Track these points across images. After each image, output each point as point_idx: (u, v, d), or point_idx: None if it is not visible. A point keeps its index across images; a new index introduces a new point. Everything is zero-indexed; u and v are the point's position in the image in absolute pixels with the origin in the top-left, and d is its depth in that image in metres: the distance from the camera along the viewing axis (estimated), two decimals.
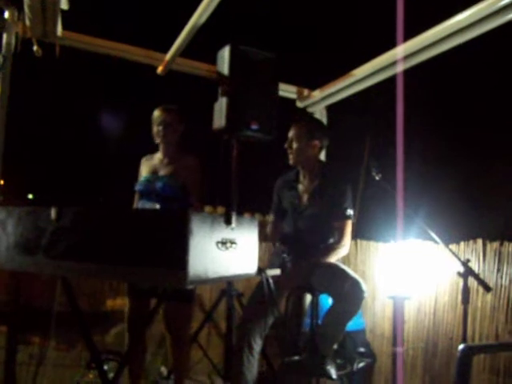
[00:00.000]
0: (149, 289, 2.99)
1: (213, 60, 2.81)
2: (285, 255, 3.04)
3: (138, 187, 3.27)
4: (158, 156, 3.34)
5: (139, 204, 3.25)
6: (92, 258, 2.06)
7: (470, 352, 2.45)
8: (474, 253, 3.33)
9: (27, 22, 3.31)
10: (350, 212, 3.15)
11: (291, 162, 3.25)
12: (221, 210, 4.31)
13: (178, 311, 3.19)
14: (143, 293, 3.08)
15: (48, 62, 3.57)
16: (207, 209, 4.40)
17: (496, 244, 3.27)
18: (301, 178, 3.29)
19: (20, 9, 3.25)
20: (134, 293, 3.16)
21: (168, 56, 3.85)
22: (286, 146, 3.24)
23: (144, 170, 3.33)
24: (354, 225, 3.28)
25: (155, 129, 3.28)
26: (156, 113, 3.29)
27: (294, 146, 3.20)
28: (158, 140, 3.29)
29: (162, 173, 3.24)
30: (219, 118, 3.02)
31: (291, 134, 3.24)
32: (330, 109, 4.59)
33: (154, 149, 3.39)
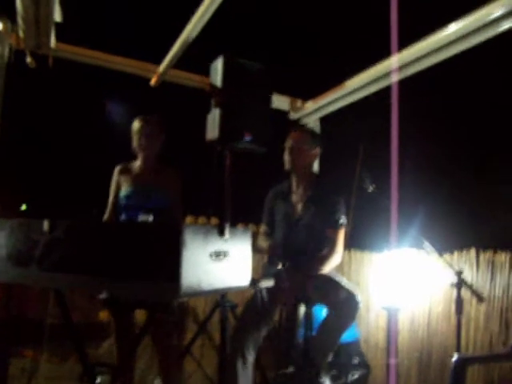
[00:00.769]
0: (128, 301, 2.95)
1: (206, 71, 2.82)
2: (279, 266, 3.03)
3: (124, 201, 3.20)
4: (138, 165, 3.28)
5: (123, 217, 3.19)
6: (85, 271, 2.05)
7: (463, 363, 2.46)
8: (467, 262, 3.34)
9: (21, 34, 3.31)
10: (343, 221, 3.15)
11: (289, 167, 3.22)
12: (214, 221, 4.31)
13: (159, 322, 3.15)
14: (125, 304, 3.04)
15: (42, 73, 3.58)
16: (201, 220, 4.40)
17: (489, 253, 3.28)
18: (294, 187, 3.29)
19: (13, 20, 3.25)
20: (113, 306, 3.12)
21: (161, 67, 3.87)
22: (287, 151, 3.22)
23: (124, 183, 3.25)
24: (347, 234, 3.28)
25: (135, 139, 3.23)
26: (136, 123, 3.25)
27: (295, 152, 3.20)
28: (139, 151, 3.24)
29: (150, 185, 3.19)
30: (212, 129, 3.02)
31: (293, 139, 3.23)
32: (324, 120, 4.61)
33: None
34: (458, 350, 2.65)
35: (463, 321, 2.81)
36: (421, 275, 3.52)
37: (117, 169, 3.32)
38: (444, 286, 3.41)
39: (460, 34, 2.97)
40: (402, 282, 3.27)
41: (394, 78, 3.52)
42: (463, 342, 3.12)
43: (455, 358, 2.47)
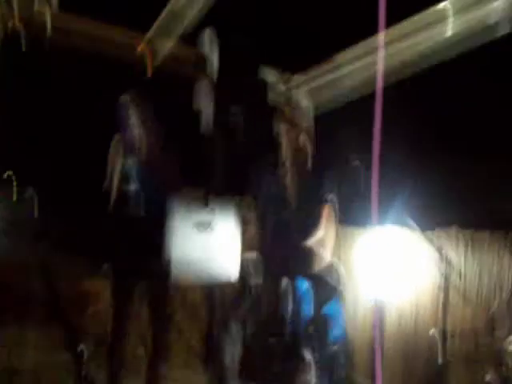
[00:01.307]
0: (130, 270, 2.97)
1: (193, 42, 2.79)
2: (267, 239, 3.04)
3: (130, 171, 3.20)
4: (136, 138, 3.26)
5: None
6: (74, 242, 2.06)
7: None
8: (451, 241, 3.35)
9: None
10: (332, 197, 3.16)
11: (283, 141, 3.23)
12: (201, 193, 4.30)
13: (157, 290, 3.19)
14: (124, 273, 3.06)
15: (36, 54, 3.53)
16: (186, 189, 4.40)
17: (474, 232, 3.29)
18: (283, 162, 3.27)
19: None
20: (111, 275, 3.14)
21: (148, 34, 3.83)
22: (280, 126, 3.20)
23: (124, 152, 3.28)
24: (334, 210, 3.29)
25: (127, 112, 3.24)
26: (126, 97, 3.27)
27: (292, 126, 3.19)
28: (133, 123, 3.25)
29: (150, 157, 3.22)
30: (201, 100, 3.02)
31: (287, 114, 3.23)
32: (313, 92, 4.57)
33: None
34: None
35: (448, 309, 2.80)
36: (405, 253, 3.52)
37: (118, 139, 3.32)
38: (430, 275, 3.40)
39: (449, 13, 2.96)
40: (386, 261, 3.27)
41: (382, 54, 3.50)
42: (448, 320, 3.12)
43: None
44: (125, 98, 3.25)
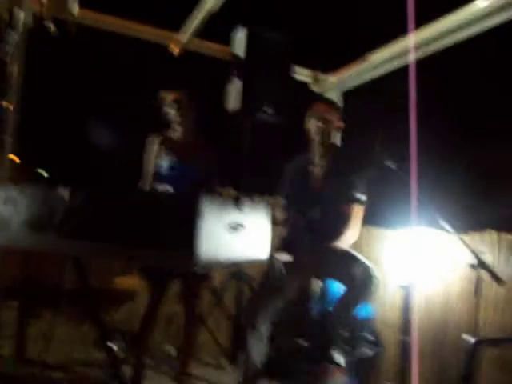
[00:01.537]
0: (163, 269, 2.98)
1: (227, 41, 2.79)
2: (298, 240, 3.02)
3: (166, 171, 3.25)
4: (178, 138, 3.32)
5: (161, 187, 3.23)
6: (103, 239, 2.06)
7: (479, 345, 2.44)
8: (486, 244, 3.29)
9: (44, 0, 3.29)
10: (361, 197, 3.13)
11: (319, 139, 3.18)
12: (230, 192, 4.30)
13: (193, 288, 3.21)
14: (157, 271, 3.07)
15: (64, 41, 3.56)
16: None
17: (510, 235, 3.23)
18: (316, 160, 3.25)
19: None
20: (147, 272, 3.16)
21: (183, 36, 3.83)
22: (315, 122, 3.16)
23: (164, 153, 3.29)
24: (365, 211, 3.25)
25: (170, 113, 3.27)
26: (164, 95, 3.27)
27: (327, 123, 3.16)
28: (175, 121, 3.28)
29: (189, 157, 3.24)
30: (233, 101, 3.00)
31: (323, 111, 3.18)
32: (346, 95, 4.55)
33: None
34: (474, 332, 2.62)
35: (481, 302, 2.76)
36: (439, 255, 3.49)
37: (154, 139, 3.35)
38: (462, 266, 3.36)
39: (487, 10, 2.90)
40: (418, 261, 3.25)
41: (417, 54, 3.46)
42: (481, 324, 3.08)
43: (471, 339, 2.45)
44: (164, 94, 3.27)
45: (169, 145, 3.31)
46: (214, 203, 1.97)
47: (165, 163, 3.26)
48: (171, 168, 3.23)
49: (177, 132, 3.31)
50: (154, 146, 3.33)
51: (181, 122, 3.26)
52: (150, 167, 3.32)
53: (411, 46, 3.47)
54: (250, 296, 3.33)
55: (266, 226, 2.37)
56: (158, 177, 3.28)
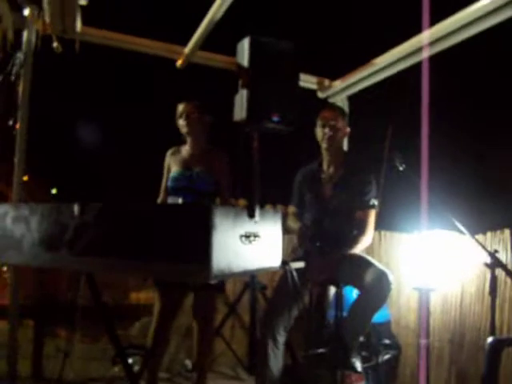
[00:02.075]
0: (176, 282, 2.98)
1: (232, 52, 2.79)
2: (310, 247, 3.00)
3: (171, 183, 3.25)
4: (186, 149, 3.34)
5: (170, 200, 3.24)
6: (115, 254, 2.06)
7: (499, 345, 2.41)
8: (501, 243, 3.27)
9: (47, 19, 3.32)
10: (374, 202, 3.12)
11: (327, 146, 3.19)
12: (242, 202, 4.30)
13: (207, 301, 3.21)
14: (171, 285, 3.08)
15: (69, 58, 3.59)
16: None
17: None
18: (325, 167, 3.26)
19: (40, 6, 3.27)
20: (161, 285, 3.16)
21: (187, 49, 3.85)
22: (323, 130, 3.17)
23: (173, 165, 3.32)
24: (377, 215, 3.24)
25: (181, 122, 3.29)
26: (180, 106, 3.31)
27: (335, 130, 3.16)
28: (185, 133, 3.30)
29: (196, 168, 3.23)
30: (240, 110, 3.00)
31: (331, 118, 3.19)
32: (351, 99, 4.56)
33: (175, 143, 3.39)
34: (493, 331, 2.60)
35: (497, 302, 2.74)
36: (452, 256, 3.46)
37: (168, 152, 3.40)
38: (477, 266, 3.34)
39: (493, 6, 2.89)
40: (433, 263, 3.23)
41: (423, 55, 3.45)
42: (497, 324, 3.05)
43: (490, 340, 2.43)
44: (181, 107, 3.29)
45: (179, 156, 3.32)
46: (227, 214, 1.96)
47: (171, 175, 3.28)
48: (177, 179, 3.23)
49: (187, 144, 3.33)
50: (168, 158, 3.36)
51: (190, 132, 3.27)
52: (164, 181, 3.35)
53: (415, 47, 3.48)
54: (265, 306, 3.31)
55: (278, 234, 2.36)
56: (167, 189, 3.30)
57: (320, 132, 3.20)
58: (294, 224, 3.31)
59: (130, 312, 4.17)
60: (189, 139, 3.31)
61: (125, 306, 4.40)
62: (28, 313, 3.85)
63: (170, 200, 3.23)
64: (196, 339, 3.29)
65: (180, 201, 2.62)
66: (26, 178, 3.38)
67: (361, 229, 3.12)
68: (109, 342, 3.69)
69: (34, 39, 3.37)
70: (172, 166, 3.32)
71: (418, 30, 3.33)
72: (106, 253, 2.08)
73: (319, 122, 3.21)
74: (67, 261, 2.17)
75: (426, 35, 3.31)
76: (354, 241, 3.08)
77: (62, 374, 2.81)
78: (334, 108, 3.39)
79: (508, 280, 3.18)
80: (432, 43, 3.34)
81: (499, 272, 2.66)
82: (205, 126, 3.32)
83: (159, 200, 3.35)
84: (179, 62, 3.96)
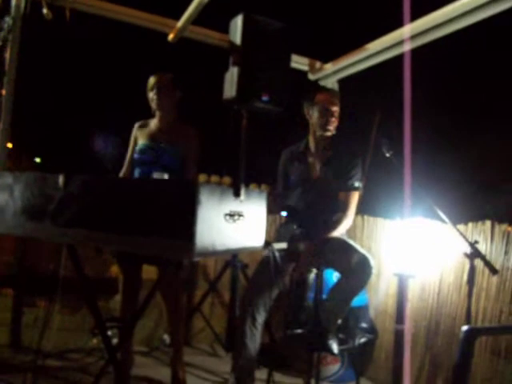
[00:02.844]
0: (138, 256, 2.97)
1: (225, 29, 2.76)
2: (294, 228, 3.01)
3: (137, 155, 3.22)
4: (155, 122, 3.29)
5: (136, 172, 3.22)
6: (98, 227, 2.06)
7: (473, 334, 2.45)
8: (481, 234, 3.31)
9: None
10: (358, 184, 3.14)
11: (332, 131, 3.19)
12: (227, 180, 4.30)
13: (172, 277, 3.20)
14: (134, 259, 3.07)
15: (58, 25, 3.53)
16: (213, 179, 4.39)
17: (504, 226, 3.24)
18: (312, 148, 3.26)
19: None
20: (123, 259, 3.16)
21: (180, 23, 3.81)
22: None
23: (140, 138, 3.27)
24: (361, 198, 3.27)
25: (150, 95, 3.24)
26: (151, 79, 3.24)
27: (328, 113, 3.15)
28: (153, 106, 3.24)
29: (162, 142, 3.18)
30: (230, 88, 2.98)
31: (329, 102, 3.17)
32: (341, 83, 4.55)
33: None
34: (468, 320, 2.64)
35: (474, 291, 2.79)
36: (433, 244, 3.50)
37: (136, 125, 3.35)
38: (457, 255, 3.39)
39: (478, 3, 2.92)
40: (414, 250, 3.27)
41: (413, 44, 3.46)
42: (473, 312, 3.11)
43: (465, 328, 2.47)
44: (152, 79, 3.23)
45: (146, 129, 3.28)
46: (213, 191, 1.96)
47: (137, 147, 3.24)
48: (143, 152, 3.19)
49: (156, 117, 3.28)
50: (134, 131, 3.32)
51: (159, 106, 3.22)
52: (129, 153, 3.31)
53: (407, 35, 3.47)
54: (246, 285, 3.34)
55: (263, 214, 2.37)
56: (133, 162, 3.27)
57: (321, 117, 3.18)
58: (278, 204, 3.31)
59: (111, 285, 4.16)
60: (158, 113, 3.26)
61: (105, 279, 4.38)
62: (7, 282, 3.83)
63: (137, 173, 3.20)
64: (166, 316, 3.30)
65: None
66: (10, 145, 3.34)
67: (343, 211, 3.13)
68: (88, 314, 3.73)
69: (23, 4, 3.31)
70: (139, 138, 3.28)
71: (413, 17, 3.33)
72: (89, 225, 2.08)
73: (320, 106, 3.18)
74: (50, 231, 2.16)
75: (419, 24, 3.31)
76: (337, 223, 3.09)
77: (41, 344, 2.80)
78: (330, 92, 3.37)
79: (486, 271, 3.23)
80: (422, 33, 3.35)
81: (478, 262, 2.70)
82: (175, 101, 3.26)
83: (122, 172, 3.32)
84: (171, 36, 3.91)
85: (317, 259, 2.92)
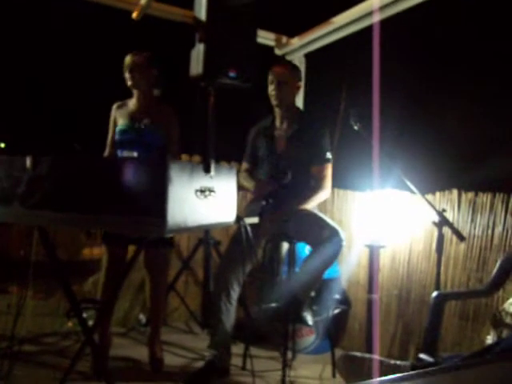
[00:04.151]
0: (126, 235, 2.98)
1: (189, 5, 2.74)
2: (263, 203, 3.03)
3: (119, 136, 3.19)
4: (133, 102, 3.25)
5: (119, 153, 3.19)
6: (69, 207, 2.04)
7: (442, 298, 2.53)
8: (449, 203, 3.38)
9: None
10: (329, 156, 3.16)
11: (277, 102, 3.16)
12: (197, 158, 4.29)
13: (158, 257, 3.22)
14: (120, 240, 3.07)
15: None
16: (183, 157, 4.37)
17: (471, 195, 3.32)
18: (277, 123, 3.25)
19: None
20: (110, 240, 3.15)
21: (143, 0, 3.74)
22: (272, 87, 3.14)
23: (120, 118, 3.24)
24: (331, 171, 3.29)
25: (126, 74, 3.19)
26: (127, 58, 3.19)
27: (283, 86, 3.14)
28: (130, 85, 3.20)
29: (144, 120, 3.14)
30: (196, 65, 2.96)
31: (277, 74, 3.14)
32: (308, 57, 4.55)
33: (126, 96, 3.31)
34: (437, 287, 2.71)
35: (443, 259, 2.86)
36: (403, 215, 3.56)
37: (114, 106, 3.30)
38: (425, 225, 3.46)
39: None
40: (384, 221, 3.33)
41: (379, 16, 3.48)
42: (442, 280, 3.19)
43: (434, 294, 2.55)
44: (128, 58, 3.19)
45: (125, 110, 3.25)
46: (183, 168, 1.96)
47: (117, 128, 3.21)
48: (124, 132, 3.17)
49: (134, 97, 3.25)
50: (114, 112, 3.29)
51: (137, 85, 3.18)
52: (110, 134, 3.29)
53: (375, 7, 3.48)
54: (219, 261, 3.35)
55: (233, 190, 2.38)
56: (114, 143, 3.24)
57: (269, 88, 3.18)
58: (246, 181, 3.32)
59: (84, 268, 4.14)
60: (135, 92, 3.21)
61: (78, 261, 4.36)
62: None
63: (120, 153, 3.17)
64: (148, 294, 3.31)
65: (135, 154, 2.59)
66: None
67: (317, 183, 3.15)
68: (62, 298, 3.71)
69: None
70: (118, 119, 3.24)
71: None
72: (59, 206, 2.06)
73: (269, 78, 3.18)
74: (19, 214, 2.14)
75: None
76: (310, 195, 3.11)
77: (15, 330, 2.78)
78: (283, 63, 3.36)
79: (454, 239, 3.31)
80: (386, 5, 3.38)
81: (446, 231, 2.77)
82: (152, 80, 3.22)
83: (106, 153, 3.29)
84: (135, 14, 3.85)
85: (289, 232, 2.94)
